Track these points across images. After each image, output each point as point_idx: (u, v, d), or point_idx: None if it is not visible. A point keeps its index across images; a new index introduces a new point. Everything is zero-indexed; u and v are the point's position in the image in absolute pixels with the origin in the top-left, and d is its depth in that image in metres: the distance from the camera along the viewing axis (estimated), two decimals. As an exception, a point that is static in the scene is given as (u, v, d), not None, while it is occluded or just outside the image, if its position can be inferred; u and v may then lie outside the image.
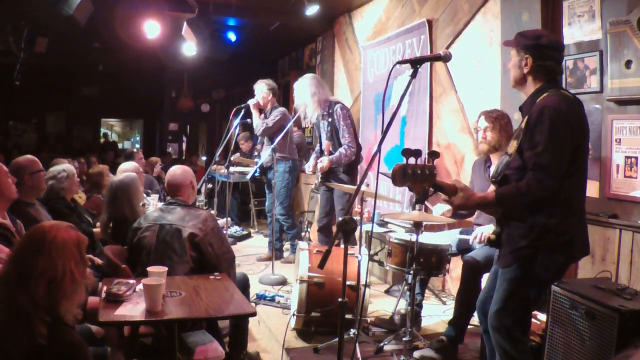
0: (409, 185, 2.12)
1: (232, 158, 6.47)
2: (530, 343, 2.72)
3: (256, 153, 7.61)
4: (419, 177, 2.08)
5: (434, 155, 2.16)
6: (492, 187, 2.58)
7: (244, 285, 3.33)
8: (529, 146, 2.23)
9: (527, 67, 2.35)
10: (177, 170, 3.25)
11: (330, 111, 4.75)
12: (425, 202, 4.36)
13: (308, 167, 4.96)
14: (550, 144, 2.17)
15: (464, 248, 3.69)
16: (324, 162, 4.66)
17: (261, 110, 5.76)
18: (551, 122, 2.18)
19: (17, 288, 1.66)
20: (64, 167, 4.07)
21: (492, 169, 3.45)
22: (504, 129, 3.42)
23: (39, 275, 1.68)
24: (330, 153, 4.76)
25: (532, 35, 2.41)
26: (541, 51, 2.33)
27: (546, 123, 2.18)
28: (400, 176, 2.06)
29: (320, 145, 4.98)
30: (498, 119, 3.44)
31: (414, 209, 3.71)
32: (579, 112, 2.31)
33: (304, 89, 4.84)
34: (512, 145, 2.34)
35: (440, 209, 3.69)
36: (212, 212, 5.23)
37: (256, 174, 5.80)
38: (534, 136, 2.21)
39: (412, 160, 2.11)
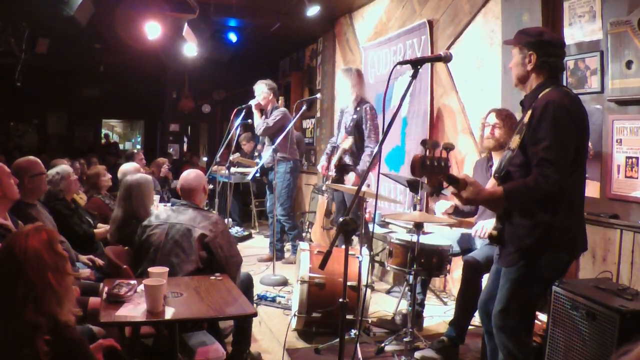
0: (427, 177, 2.12)
1: (231, 158, 6.48)
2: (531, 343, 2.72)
3: (257, 154, 7.62)
4: (436, 169, 2.09)
5: (449, 147, 2.15)
6: (491, 181, 2.57)
7: (247, 284, 3.34)
8: (533, 141, 2.22)
9: (531, 64, 2.35)
10: (190, 175, 3.30)
11: (358, 108, 4.75)
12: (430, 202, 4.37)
13: (321, 166, 4.94)
14: (555, 139, 2.17)
15: (465, 247, 3.69)
16: (352, 179, 4.66)
17: (262, 111, 5.76)
18: (555, 117, 2.18)
19: (9, 319, 1.63)
20: (58, 169, 4.07)
21: (495, 165, 3.45)
22: (511, 129, 3.42)
23: (24, 298, 1.65)
24: (346, 150, 4.76)
25: (534, 32, 2.41)
26: (544, 47, 2.33)
27: (550, 118, 2.18)
28: (419, 167, 2.06)
29: (336, 138, 4.98)
30: (508, 118, 3.45)
31: (414, 209, 3.70)
32: (581, 108, 2.32)
33: (346, 77, 4.84)
34: (515, 141, 2.33)
35: (442, 207, 3.69)
36: (214, 212, 5.25)
37: (257, 175, 5.81)
38: (539, 131, 2.20)
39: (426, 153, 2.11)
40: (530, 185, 2.17)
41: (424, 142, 2.12)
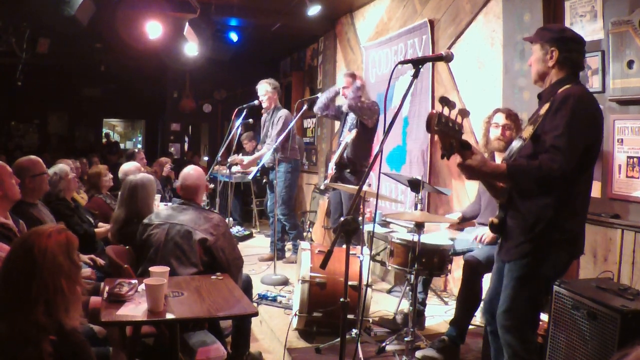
0: (440, 136, 2.09)
1: (230, 160, 6.46)
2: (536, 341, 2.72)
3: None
4: (450, 130, 2.06)
5: (464, 113, 2.14)
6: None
7: (246, 286, 3.34)
8: (547, 129, 2.22)
9: (553, 60, 2.34)
10: (191, 173, 3.27)
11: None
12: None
13: (330, 168, 4.93)
14: (568, 129, 2.16)
15: (466, 247, 3.68)
16: (347, 139, 4.62)
17: (264, 109, 5.79)
18: (573, 110, 2.18)
19: (17, 316, 1.64)
20: (56, 169, 4.07)
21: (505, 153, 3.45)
22: (519, 129, 3.42)
23: (36, 299, 1.66)
24: (349, 143, 4.73)
25: (556, 28, 2.44)
26: (567, 43, 2.33)
27: (569, 109, 2.19)
28: (434, 122, 2.01)
29: (339, 137, 4.97)
30: (516, 118, 3.44)
31: (416, 209, 3.70)
32: (599, 109, 2.33)
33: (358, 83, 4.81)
34: (527, 130, 2.32)
35: (448, 220, 3.72)
36: (215, 212, 5.27)
37: (257, 175, 5.82)
38: (555, 120, 2.20)
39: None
40: (534, 165, 2.16)
41: (442, 99, 2.08)
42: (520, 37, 3.82)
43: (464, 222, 3.78)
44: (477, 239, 3.41)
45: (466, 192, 4.51)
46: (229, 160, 6.17)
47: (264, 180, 6.13)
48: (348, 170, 4.78)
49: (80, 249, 3.77)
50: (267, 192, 6.15)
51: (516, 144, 2.37)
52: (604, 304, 2.32)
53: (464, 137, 2.17)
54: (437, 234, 3.95)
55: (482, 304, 2.68)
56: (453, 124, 2.07)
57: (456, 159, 2.20)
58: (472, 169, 2.18)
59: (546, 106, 2.27)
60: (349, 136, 4.67)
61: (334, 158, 4.80)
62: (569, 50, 2.33)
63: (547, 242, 2.27)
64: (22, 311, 1.64)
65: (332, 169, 4.81)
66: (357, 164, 4.76)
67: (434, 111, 2.03)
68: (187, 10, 6.56)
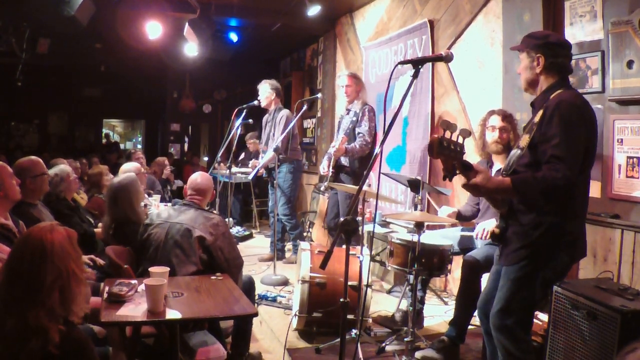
0: (442, 159, 2.10)
1: (232, 170, 6.45)
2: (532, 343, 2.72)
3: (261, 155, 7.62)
4: (452, 152, 2.08)
5: (465, 133, 2.15)
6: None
7: (249, 287, 3.33)
8: (544, 139, 2.22)
9: (540, 67, 2.36)
10: (204, 175, 3.33)
11: (357, 111, 4.77)
12: (432, 203, 4.37)
13: (323, 167, 5.00)
14: (566, 137, 2.17)
15: (465, 247, 3.68)
16: (336, 145, 4.66)
17: (265, 110, 5.79)
18: (567, 116, 2.19)
19: (31, 304, 1.66)
20: (57, 169, 4.06)
21: (496, 166, 3.44)
22: (514, 129, 3.42)
23: (51, 286, 1.69)
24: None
25: (540, 35, 2.44)
26: (552, 49, 2.34)
27: (563, 116, 2.19)
28: (437, 147, 2.04)
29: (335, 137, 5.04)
30: (512, 118, 3.44)
31: (415, 209, 3.70)
32: (591, 111, 2.33)
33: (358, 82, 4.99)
34: (524, 139, 2.33)
35: (445, 211, 3.70)
36: (215, 212, 5.27)
37: (265, 176, 5.86)
38: (550, 129, 2.21)
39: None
40: (539, 178, 2.16)
41: (443, 123, 2.09)
42: (520, 37, 3.81)
43: (460, 219, 3.76)
44: (477, 235, 3.41)
45: (466, 192, 4.51)
46: (249, 166, 6.20)
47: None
48: (344, 172, 4.80)
49: (80, 249, 3.79)
50: (270, 192, 6.16)
51: (514, 153, 2.38)
52: (604, 304, 2.32)
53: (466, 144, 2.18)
54: (443, 232, 3.95)
55: (478, 305, 2.68)
56: (455, 146, 2.09)
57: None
58: (477, 187, 2.20)
59: (540, 113, 2.28)
60: (339, 143, 4.71)
61: (331, 162, 4.82)
62: (555, 56, 2.34)
63: (546, 246, 2.27)
64: (35, 301, 1.66)
65: (331, 170, 4.83)
66: (353, 167, 4.79)
67: (436, 136, 2.06)
68: (187, 10, 6.56)
